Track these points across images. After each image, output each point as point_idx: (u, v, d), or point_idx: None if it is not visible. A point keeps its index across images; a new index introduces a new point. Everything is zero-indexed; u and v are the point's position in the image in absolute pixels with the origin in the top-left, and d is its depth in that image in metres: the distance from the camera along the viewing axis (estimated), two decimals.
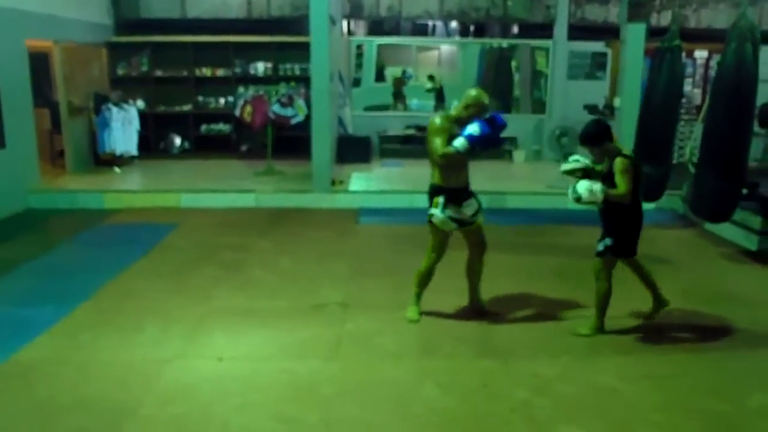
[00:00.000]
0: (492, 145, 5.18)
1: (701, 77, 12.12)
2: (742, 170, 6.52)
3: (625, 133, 9.66)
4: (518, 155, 12.73)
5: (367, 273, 6.68)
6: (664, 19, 11.62)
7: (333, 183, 9.89)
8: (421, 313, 5.48)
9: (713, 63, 11.74)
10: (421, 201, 8.99)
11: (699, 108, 9.74)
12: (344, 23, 13.35)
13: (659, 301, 5.42)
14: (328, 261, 7.06)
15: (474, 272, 5.51)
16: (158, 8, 12.76)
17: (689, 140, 8.17)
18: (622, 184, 4.79)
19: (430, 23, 14.26)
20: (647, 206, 9.21)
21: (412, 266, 6.83)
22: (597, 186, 4.79)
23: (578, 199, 4.85)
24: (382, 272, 6.69)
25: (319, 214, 9.18)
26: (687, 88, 11.52)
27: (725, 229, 7.93)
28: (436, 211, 5.10)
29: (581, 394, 4.31)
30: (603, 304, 5.11)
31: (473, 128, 4.92)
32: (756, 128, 8.72)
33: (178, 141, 12.65)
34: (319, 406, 4.13)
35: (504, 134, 5.32)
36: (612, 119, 10.44)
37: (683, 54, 7.77)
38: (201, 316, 5.51)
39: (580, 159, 5.07)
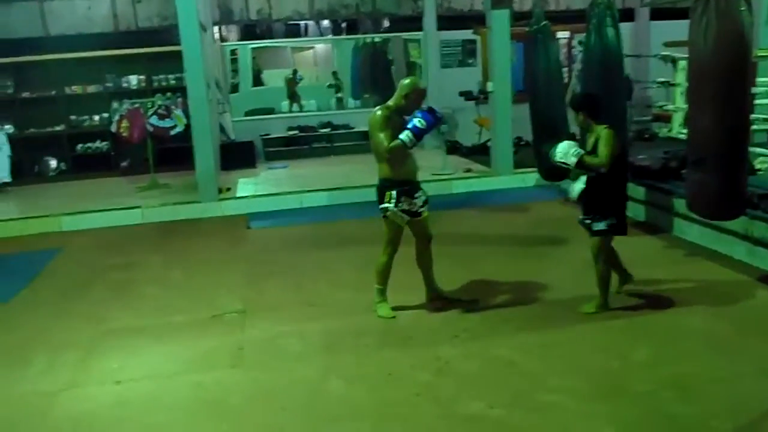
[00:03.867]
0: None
1: (565, 57, 12.66)
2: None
3: (499, 115, 10.02)
4: None
5: (263, 276, 6.64)
6: (527, 4, 12.09)
7: (220, 191, 9.74)
8: (322, 308, 5.46)
9: (575, 42, 12.29)
10: (311, 200, 8.98)
11: (566, 87, 10.17)
12: (215, 29, 13.15)
13: (624, 276, 5.52)
14: (223, 269, 6.97)
15: (424, 263, 5.52)
16: (18, 28, 12.11)
17: None
18: (603, 153, 4.93)
19: (302, 23, 14.28)
20: (528, 184, 9.70)
21: (309, 265, 6.85)
22: (574, 149, 4.95)
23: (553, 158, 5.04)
24: (279, 274, 6.67)
25: (208, 224, 9.03)
26: None
27: None
28: (390, 205, 5.14)
29: (482, 370, 4.46)
30: (606, 283, 5.19)
31: (418, 121, 5.00)
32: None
33: (53, 163, 12.13)
34: (229, 417, 4.08)
35: None
36: (486, 104, 10.78)
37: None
38: (93, 340, 5.31)
39: (570, 149, 5.00)
